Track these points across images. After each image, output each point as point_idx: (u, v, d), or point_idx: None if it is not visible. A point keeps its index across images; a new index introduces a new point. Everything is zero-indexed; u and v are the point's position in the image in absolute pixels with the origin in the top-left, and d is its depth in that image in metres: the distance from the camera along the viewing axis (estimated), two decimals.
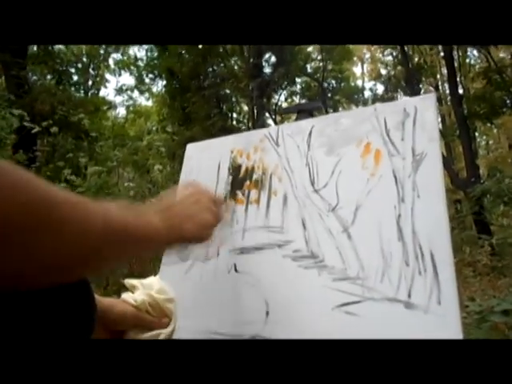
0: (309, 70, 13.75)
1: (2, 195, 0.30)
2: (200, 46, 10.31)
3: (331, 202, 0.77)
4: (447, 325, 0.55)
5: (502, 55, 11.11)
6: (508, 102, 8.54)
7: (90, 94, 13.15)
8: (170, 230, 0.55)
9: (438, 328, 0.56)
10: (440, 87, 13.97)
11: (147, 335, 0.71)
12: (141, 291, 0.73)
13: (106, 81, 14.53)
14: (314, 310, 0.69)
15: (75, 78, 12.51)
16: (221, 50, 11.21)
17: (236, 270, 0.83)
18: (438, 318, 0.56)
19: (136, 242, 0.48)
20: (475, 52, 11.61)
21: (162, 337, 0.73)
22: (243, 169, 0.94)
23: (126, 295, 0.72)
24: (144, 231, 0.49)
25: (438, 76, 13.93)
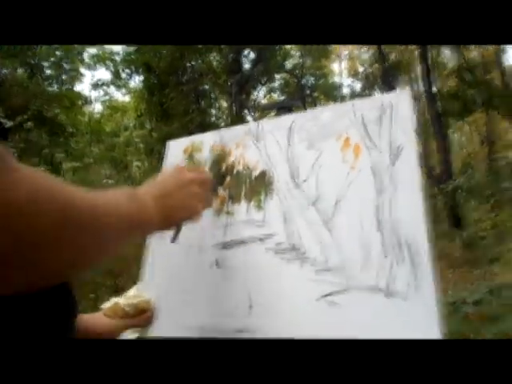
0: (288, 67, 13.80)
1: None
2: None
3: (312, 196, 0.78)
4: (425, 311, 0.57)
5: (473, 54, 11.44)
6: (479, 100, 8.82)
7: (64, 88, 12.78)
8: (163, 218, 0.58)
9: (416, 314, 0.58)
10: (415, 85, 14.29)
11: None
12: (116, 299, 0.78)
13: (81, 75, 14.15)
14: (297, 301, 0.70)
15: (48, 71, 12.13)
16: (199, 46, 11.10)
17: (218, 265, 0.84)
18: (417, 305, 0.58)
19: (131, 228, 0.49)
20: (447, 51, 11.92)
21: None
22: (224, 165, 0.94)
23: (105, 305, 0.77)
24: (139, 218, 0.51)
25: (414, 74, 14.23)
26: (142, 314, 0.79)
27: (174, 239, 0.71)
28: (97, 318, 0.75)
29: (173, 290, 0.86)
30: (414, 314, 0.58)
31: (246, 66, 11.64)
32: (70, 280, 0.49)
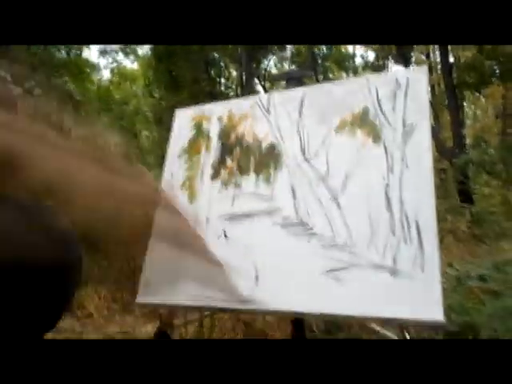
0: None
1: None
2: None
3: (321, 171, 0.78)
4: (429, 291, 0.58)
5: None
6: (497, 71, 8.48)
7: (71, 55, 12.56)
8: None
9: (420, 294, 0.59)
10: (431, 55, 13.76)
11: None
12: None
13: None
14: (302, 275, 0.71)
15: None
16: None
17: (226, 236, 0.85)
18: (421, 285, 0.59)
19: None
20: None
21: None
22: (233, 136, 0.93)
23: None
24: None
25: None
26: None
27: None
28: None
29: (180, 260, 0.87)
30: (417, 293, 0.59)
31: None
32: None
